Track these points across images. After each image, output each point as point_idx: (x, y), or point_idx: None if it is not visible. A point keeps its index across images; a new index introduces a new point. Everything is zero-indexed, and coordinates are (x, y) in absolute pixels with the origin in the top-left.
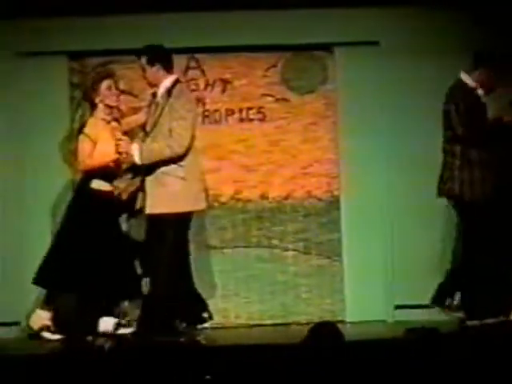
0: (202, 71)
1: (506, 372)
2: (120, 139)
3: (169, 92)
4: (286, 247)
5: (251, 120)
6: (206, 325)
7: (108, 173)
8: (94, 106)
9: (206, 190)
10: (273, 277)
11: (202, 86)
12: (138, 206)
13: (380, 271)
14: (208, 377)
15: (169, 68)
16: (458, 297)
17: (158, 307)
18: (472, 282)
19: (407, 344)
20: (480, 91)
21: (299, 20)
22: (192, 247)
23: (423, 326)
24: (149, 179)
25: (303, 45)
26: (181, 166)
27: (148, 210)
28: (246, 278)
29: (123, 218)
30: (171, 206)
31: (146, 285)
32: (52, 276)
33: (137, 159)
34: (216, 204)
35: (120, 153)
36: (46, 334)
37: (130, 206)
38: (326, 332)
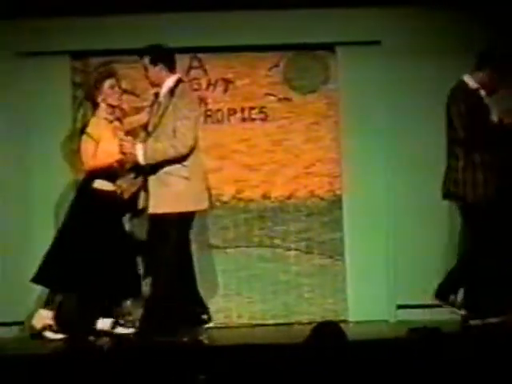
0: (205, 71)
1: (508, 371)
2: (124, 139)
3: (171, 92)
4: (289, 247)
5: (253, 120)
6: (204, 327)
7: (111, 172)
8: (96, 106)
9: (208, 190)
10: (275, 276)
11: (204, 85)
12: (140, 205)
13: (382, 271)
14: (203, 376)
15: (171, 68)
16: (461, 293)
17: (160, 307)
18: (475, 281)
19: (409, 344)
20: (482, 92)
21: (301, 20)
22: (194, 247)
23: (425, 325)
24: (152, 179)
25: (305, 44)
26: (184, 165)
27: (151, 210)
28: (248, 277)
29: (126, 218)
30: (174, 205)
31: (146, 284)
32: (53, 275)
33: (141, 159)
34: (218, 203)
35: (124, 153)
36: (48, 334)
37: (132, 205)
38: (328, 332)
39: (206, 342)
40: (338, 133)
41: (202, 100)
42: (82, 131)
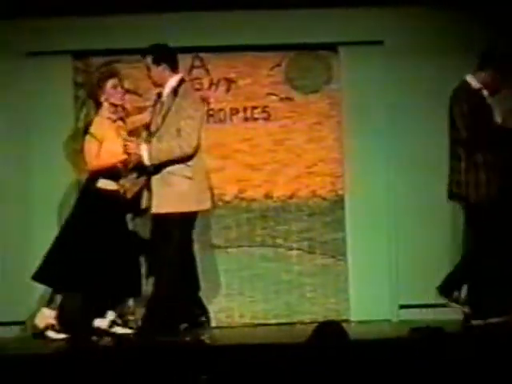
0: (207, 70)
1: (510, 371)
2: (129, 140)
3: (175, 91)
4: (291, 246)
5: (256, 119)
6: (205, 327)
7: (114, 172)
8: (98, 105)
9: (210, 190)
10: (277, 276)
11: (206, 85)
12: (143, 205)
13: (385, 270)
14: (205, 377)
15: (174, 67)
16: (465, 290)
17: (163, 307)
18: (478, 281)
19: (412, 343)
20: (485, 92)
21: (303, 19)
22: (196, 247)
23: (428, 325)
24: (155, 179)
25: (308, 44)
26: (188, 165)
27: (154, 210)
28: (251, 277)
29: (128, 218)
30: (178, 205)
31: (146, 284)
32: (54, 274)
33: (146, 160)
34: (220, 203)
35: (128, 153)
36: (51, 333)
37: (135, 205)
38: (330, 331)
39: (208, 341)
40: (340, 133)
41: (204, 100)
42: (86, 131)
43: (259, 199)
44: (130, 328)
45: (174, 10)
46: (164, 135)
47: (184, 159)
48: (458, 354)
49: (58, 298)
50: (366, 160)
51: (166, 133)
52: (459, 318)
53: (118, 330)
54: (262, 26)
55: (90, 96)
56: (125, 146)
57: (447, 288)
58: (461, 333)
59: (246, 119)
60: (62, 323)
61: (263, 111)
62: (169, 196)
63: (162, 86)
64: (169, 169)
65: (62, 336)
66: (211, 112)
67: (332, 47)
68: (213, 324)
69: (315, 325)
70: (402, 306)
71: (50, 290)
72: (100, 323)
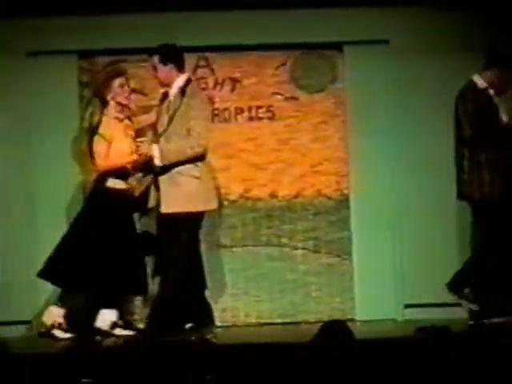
0: (212, 70)
1: None
2: (140, 140)
3: (182, 91)
4: (296, 246)
5: (260, 119)
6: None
7: (123, 172)
8: (105, 104)
9: (217, 189)
10: (282, 275)
11: (211, 84)
12: (150, 204)
13: (390, 270)
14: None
15: (181, 67)
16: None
17: (168, 306)
18: (483, 280)
19: (417, 343)
20: (491, 91)
21: (309, 19)
22: (203, 247)
23: (433, 324)
24: (163, 178)
25: (313, 43)
26: (196, 165)
27: (163, 210)
28: (256, 276)
29: (136, 217)
30: (186, 205)
31: (152, 283)
32: (61, 272)
33: (157, 160)
34: (226, 203)
35: (140, 154)
36: (57, 332)
37: (142, 203)
38: (335, 331)
39: (213, 341)
40: (345, 132)
41: (210, 99)
42: (94, 131)
43: (264, 198)
44: (132, 329)
45: (179, 9)
46: (172, 135)
47: (195, 159)
48: (464, 354)
49: (68, 297)
50: (371, 159)
51: (174, 133)
52: (465, 317)
53: (120, 331)
54: (267, 25)
55: (96, 95)
56: (137, 146)
57: (456, 285)
58: (466, 332)
59: (250, 118)
60: (70, 322)
61: (268, 110)
62: (177, 196)
63: (168, 85)
64: (177, 169)
65: (68, 335)
66: (216, 111)
67: (337, 46)
68: (218, 323)
69: (320, 324)
70: (408, 306)
71: (55, 289)
72: (101, 324)
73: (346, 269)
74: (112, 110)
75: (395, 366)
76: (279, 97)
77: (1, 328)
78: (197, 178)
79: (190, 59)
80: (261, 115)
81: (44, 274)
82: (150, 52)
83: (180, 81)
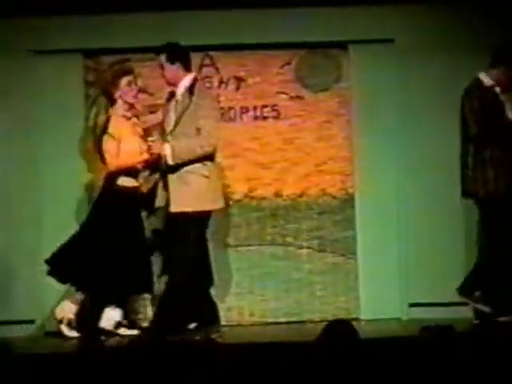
0: (217, 69)
1: None
2: (152, 140)
3: (190, 90)
4: (301, 245)
5: (265, 118)
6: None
7: (133, 170)
8: (112, 102)
9: (223, 188)
10: (287, 274)
11: (216, 83)
12: (157, 204)
13: (395, 269)
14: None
15: (188, 66)
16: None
17: (175, 305)
18: (492, 281)
19: (422, 342)
20: (497, 89)
21: (314, 18)
22: (209, 246)
23: (438, 323)
24: (172, 178)
25: (318, 42)
26: (205, 164)
27: (172, 209)
28: (261, 275)
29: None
30: (195, 204)
31: (158, 282)
32: (68, 270)
33: (169, 159)
34: (230, 202)
35: (152, 153)
36: (64, 328)
37: (149, 202)
38: (340, 330)
39: (218, 340)
40: (350, 131)
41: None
42: (103, 131)
43: (269, 198)
44: (137, 329)
45: (184, 8)
46: (179, 135)
47: (204, 158)
48: (468, 353)
49: (82, 294)
50: (375, 158)
51: (182, 132)
52: (469, 317)
53: (124, 331)
54: (272, 24)
55: (103, 93)
56: (148, 145)
57: (467, 288)
58: (471, 331)
59: (255, 118)
60: (79, 321)
61: (273, 110)
62: (186, 195)
63: (175, 84)
64: (187, 168)
65: (73, 334)
66: (221, 111)
67: (342, 46)
68: (223, 322)
69: (325, 323)
70: (412, 305)
71: (59, 288)
72: (105, 324)
73: (351, 268)
74: (120, 108)
75: (400, 365)
76: (284, 96)
77: (4, 327)
78: (206, 177)
79: (194, 58)
80: (266, 114)
81: (50, 271)
82: (157, 51)
83: (187, 80)
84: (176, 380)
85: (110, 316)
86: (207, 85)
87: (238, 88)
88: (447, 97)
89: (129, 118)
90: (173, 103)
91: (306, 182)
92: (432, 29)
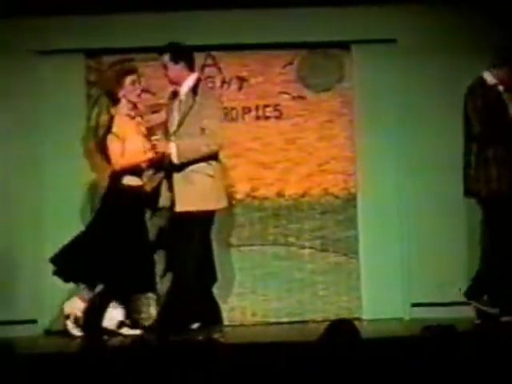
0: (219, 69)
1: None
2: (157, 138)
3: (194, 90)
4: (303, 245)
5: (267, 118)
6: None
7: (138, 169)
8: (115, 101)
9: (226, 188)
10: (290, 274)
11: (218, 83)
12: (161, 203)
13: (397, 269)
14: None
15: (191, 66)
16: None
17: (179, 305)
18: (498, 282)
19: (424, 342)
20: (501, 88)
21: (316, 18)
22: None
23: (439, 323)
24: (177, 177)
25: (320, 42)
26: (209, 163)
27: (177, 208)
28: (263, 275)
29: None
30: (200, 203)
31: (161, 282)
32: (76, 270)
33: (175, 158)
34: (233, 202)
35: (157, 152)
36: (70, 325)
37: (152, 201)
38: (342, 330)
39: (220, 340)
40: (352, 131)
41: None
42: (108, 130)
43: (271, 198)
44: (139, 329)
45: (186, 8)
46: (184, 134)
47: (209, 157)
48: (470, 353)
49: (90, 293)
50: (378, 158)
51: (187, 132)
52: (471, 316)
53: (127, 330)
54: (274, 24)
55: (107, 92)
56: (153, 144)
57: (474, 292)
58: (473, 331)
59: (257, 118)
60: (86, 319)
61: (275, 110)
62: (191, 194)
63: (178, 84)
64: (191, 167)
65: (78, 332)
66: (223, 110)
67: (344, 46)
68: (225, 322)
69: (327, 323)
70: (414, 305)
71: (61, 288)
72: (108, 323)
73: (353, 268)
74: (123, 107)
75: (402, 364)
76: (286, 96)
77: (6, 327)
78: (211, 176)
79: (197, 58)
80: (268, 114)
81: (56, 271)
82: (160, 51)
83: (190, 80)
84: (178, 380)
85: (113, 315)
86: (209, 85)
87: (240, 88)
88: (450, 97)
89: (133, 118)
90: (176, 103)
91: (308, 182)
92: (434, 29)
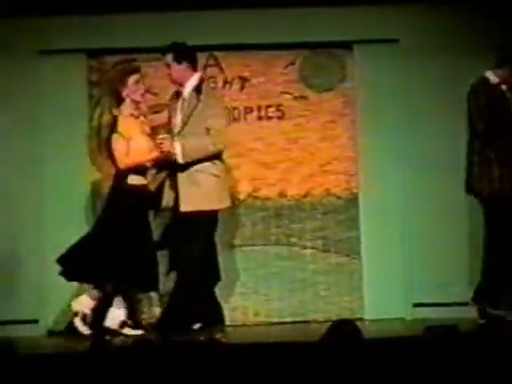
0: (221, 69)
1: None
2: (162, 138)
3: (198, 90)
4: (305, 245)
5: (270, 118)
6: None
7: (142, 168)
8: (119, 101)
9: (229, 188)
10: (292, 274)
11: (220, 83)
12: (165, 203)
13: (398, 269)
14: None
15: (194, 66)
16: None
17: (184, 304)
18: (494, 277)
19: (426, 342)
20: (504, 87)
21: (318, 18)
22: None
23: (442, 323)
24: (181, 177)
25: (322, 42)
26: (214, 163)
27: (182, 208)
28: (265, 275)
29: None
30: (204, 203)
31: (165, 281)
32: (81, 270)
33: (180, 158)
34: (235, 202)
35: (162, 151)
36: (78, 323)
37: (156, 200)
38: (344, 330)
39: (222, 340)
40: (354, 131)
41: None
42: (112, 130)
43: (273, 198)
44: (142, 329)
45: (188, 8)
46: (188, 134)
47: (213, 157)
48: (472, 353)
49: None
50: (380, 158)
51: (191, 131)
52: (474, 317)
53: (129, 331)
54: (276, 24)
55: (110, 91)
56: (159, 143)
57: (481, 296)
58: (475, 331)
59: (259, 118)
60: (94, 318)
61: (277, 110)
62: (196, 194)
63: (181, 84)
64: (196, 167)
65: (85, 330)
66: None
67: (346, 46)
68: (228, 322)
69: (329, 323)
70: (416, 305)
71: (63, 288)
72: (110, 323)
73: (355, 268)
74: (127, 107)
75: (404, 365)
76: (288, 96)
77: (8, 327)
78: (215, 176)
79: (199, 58)
80: (270, 114)
81: (62, 271)
82: (163, 51)
83: (193, 80)
84: (180, 380)
85: (115, 315)
86: (212, 85)
87: (242, 88)
88: (452, 97)
89: (137, 117)
90: (179, 103)
91: (310, 182)
92: (436, 29)
